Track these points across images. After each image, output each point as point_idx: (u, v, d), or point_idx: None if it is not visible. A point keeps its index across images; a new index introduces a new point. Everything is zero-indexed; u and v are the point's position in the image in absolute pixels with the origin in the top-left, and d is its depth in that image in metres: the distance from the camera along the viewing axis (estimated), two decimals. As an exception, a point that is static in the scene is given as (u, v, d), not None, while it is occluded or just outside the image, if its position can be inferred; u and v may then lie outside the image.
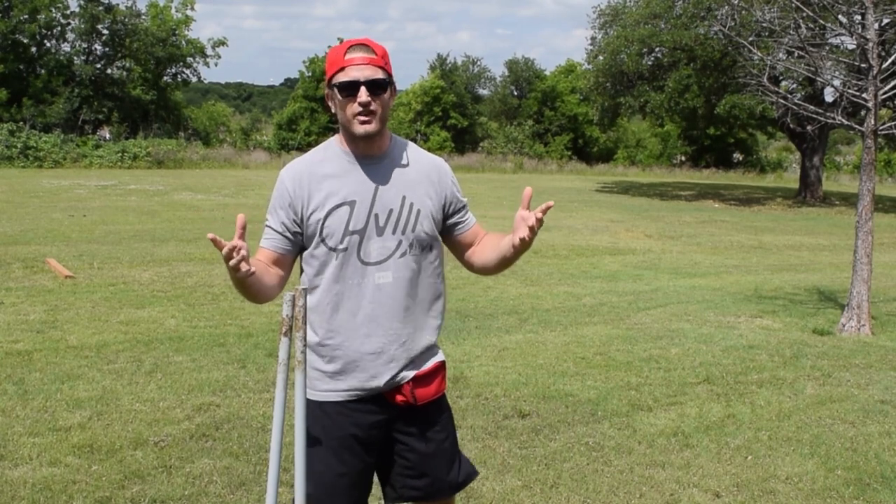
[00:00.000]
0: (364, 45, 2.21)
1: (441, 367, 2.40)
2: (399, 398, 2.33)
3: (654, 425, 4.63)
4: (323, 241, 2.24)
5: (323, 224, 2.24)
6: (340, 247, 2.24)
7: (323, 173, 2.27)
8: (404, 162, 2.33)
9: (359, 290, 2.26)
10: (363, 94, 2.18)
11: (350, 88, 2.18)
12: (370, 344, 2.28)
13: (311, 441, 2.30)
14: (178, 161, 27.75)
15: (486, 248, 2.41)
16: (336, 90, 2.21)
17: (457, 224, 2.42)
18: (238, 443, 4.13)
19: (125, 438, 4.13)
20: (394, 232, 2.27)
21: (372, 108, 2.20)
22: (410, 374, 2.33)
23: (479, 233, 2.47)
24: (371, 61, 2.19)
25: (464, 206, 2.44)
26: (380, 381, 2.29)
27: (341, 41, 2.35)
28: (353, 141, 2.28)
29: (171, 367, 5.37)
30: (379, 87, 2.20)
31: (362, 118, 2.20)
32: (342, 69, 2.19)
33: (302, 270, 2.36)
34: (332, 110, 2.29)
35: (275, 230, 2.28)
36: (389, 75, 2.24)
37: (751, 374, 5.74)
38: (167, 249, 10.51)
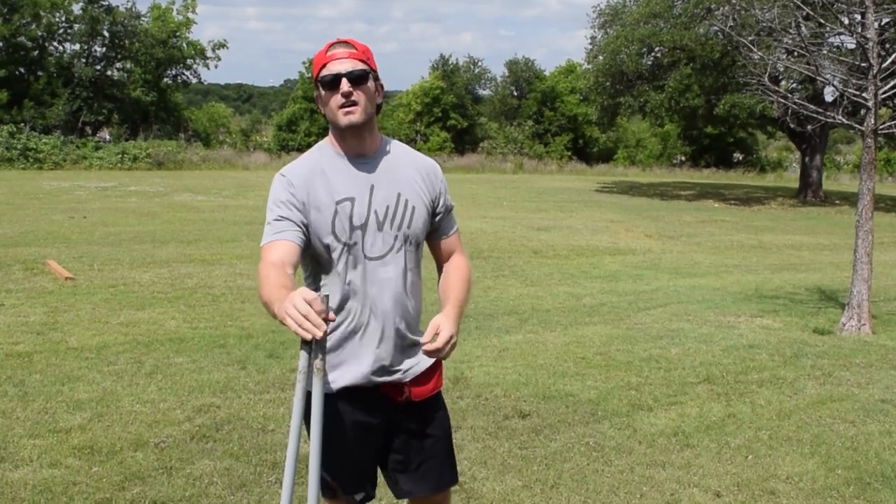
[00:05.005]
0: (344, 42, 2.27)
1: (438, 362, 2.43)
2: (396, 394, 2.36)
3: (655, 425, 4.63)
4: (334, 235, 2.26)
5: (333, 219, 2.25)
6: (346, 241, 2.26)
7: (322, 172, 2.29)
8: (396, 160, 2.36)
9: (362, 284, 2.28)
10: (345, 85, 2.22)
11: (333, 82, 2.23)
12: (373, 338, 2.31)
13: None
14: (179, 162, 27.74)
15: (442, 288, 2.44)
16: (320, 86, 2.26)
17: (438, 227, 2.45)
18: (238, 444, 4.13)
19: (125, 440, 4.13)
20: (391, 227, 2.30)
21: (354, 98, 2.23)
22: (409, 368, 2.36)
23: (453, 248, 2.48)
24: (351, 55, 2.25)
25: (448, 210, 2.46)
26: (379, 375, 2.33)
27: None
28: (343, 137, 2.31)
29: (171, 369, 5.37)
30: (361, 79, 2.24)
31: (346, 108, 2.24)
32: (324, 65, 2.25)
33: (303, 270, 2.37)
34: (322, 111, 2.32)
35: (291, 220, 2.23)
36: (372, 69, 2.28)
37: (751, 374, 5.74)
38: (167, 251, 10.51)
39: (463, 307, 2.36)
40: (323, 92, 2.26)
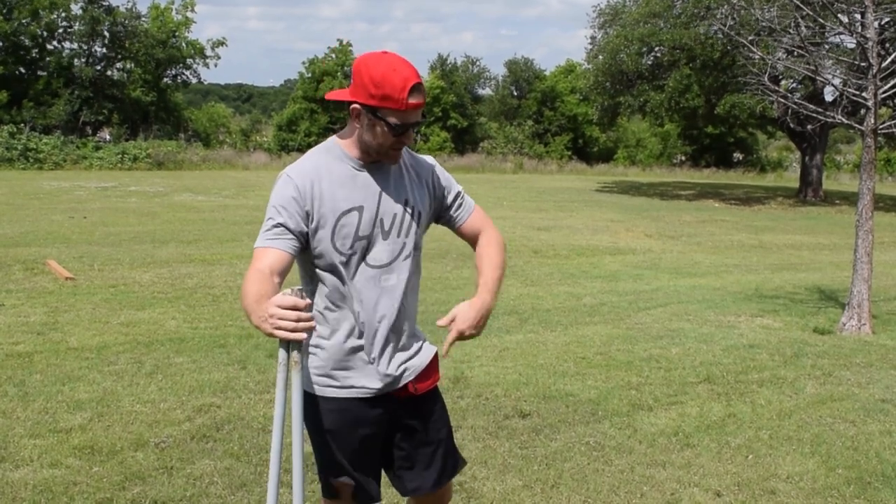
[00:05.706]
0: (421, 86, 2.22)
1: (436, 356, 2.49)
2: (400, 391, 2.39)
3: (655, 425, 4.63)
4: (334, 245, 2.24)
5: (334, 228, 2.23)
6: (350, 251, 2.25)
7: (331, 177, 2.26)
8: (403, 166, 2.37)
9: (366, 292, 2.28)
10: (410, 136, 2.26)
11: (403, 130, 2.23)
12: (377, 343, 2.32)
13: (321, 434, 2.35)
14: (179, 162, 27.74)
15: (477, 267, 2.52)
16: (388, 127, 2.20)
17: (453, 218, 2.48)
18: (239, 444, 4.13)
19: (126, 440, 4.13)
20: (398, 235, 2.31)
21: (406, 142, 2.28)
22: (412, 368, 2.39)
23: (478, 225, 2.51)
24: (422, 105, 2.24)
25: (458, 196, 2.48)
26: (386, 380, 2.34)
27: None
28: (367, 153, 2.28)
29: (171, 369, 5.37)
30: (417, 128, 2.29)
31: (396, 152, 2.27)
32: (402, 111, 2.19)
33: (301, 271, 2.37)
34: (358, 125, 2.24)
35: (287, 228, 2.19)
36: None
37: (751, 374, 5.74)
38: (167, 251, 10.52)
39: (496, 285, 2.43)
40: (387, 129, 2.20)
